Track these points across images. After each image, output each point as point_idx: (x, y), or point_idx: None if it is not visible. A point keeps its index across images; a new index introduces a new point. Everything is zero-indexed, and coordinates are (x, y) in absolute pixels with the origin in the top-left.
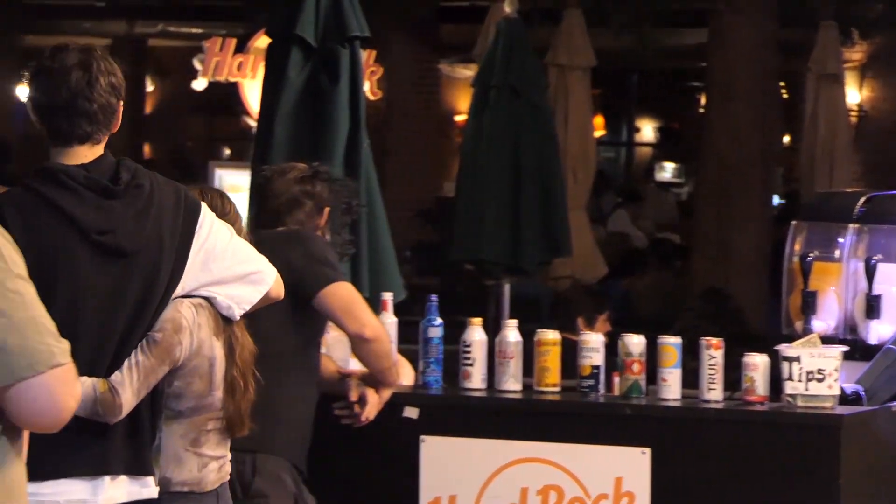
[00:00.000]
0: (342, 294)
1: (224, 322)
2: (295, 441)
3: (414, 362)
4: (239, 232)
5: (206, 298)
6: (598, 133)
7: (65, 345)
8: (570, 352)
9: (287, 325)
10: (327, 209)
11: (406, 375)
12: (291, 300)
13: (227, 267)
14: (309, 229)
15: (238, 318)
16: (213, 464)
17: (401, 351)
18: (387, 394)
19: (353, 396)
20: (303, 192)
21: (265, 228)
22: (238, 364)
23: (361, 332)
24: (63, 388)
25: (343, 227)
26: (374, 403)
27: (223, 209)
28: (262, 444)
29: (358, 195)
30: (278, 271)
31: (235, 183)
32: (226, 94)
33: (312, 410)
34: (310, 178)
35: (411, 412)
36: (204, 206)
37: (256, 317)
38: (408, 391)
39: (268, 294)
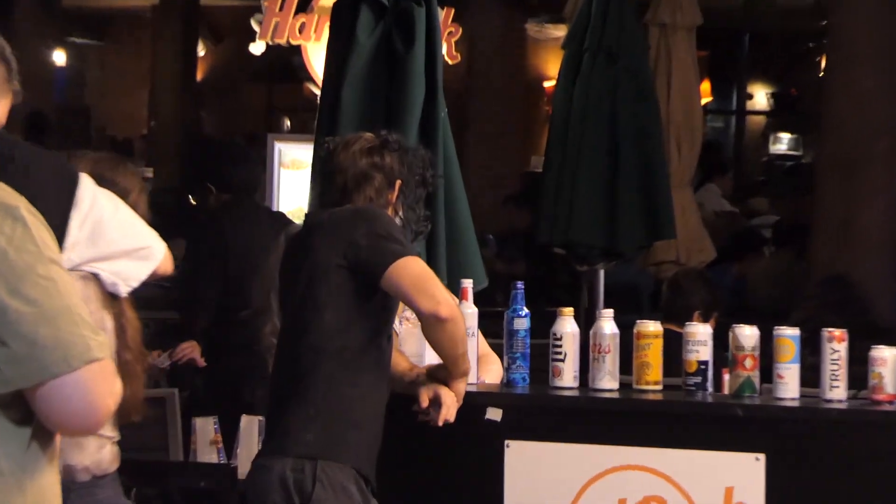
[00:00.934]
0: (413, 270)
1: (112, 298)
2: (361, 447)
3: (499, 356)
4: (135, 205)
5: (93, 274)
6: (705, 100)
7: (102, 337)
8: (674, 345)
9: (353, 316)
10: (399, 182)
11: (493, 373)
12: (358, 286)
13: (112, 241)
14: (379, 206)
15: (124, 294)
16: (109, 445)
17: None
18: (461, 385)
19: (424, 402)
20: (370, 164)
21: (332, 207)
22: (130, 346)
23: (436, 311)
24: (100, 387)
25: (418, 202)
26: (450, 403)
27: (113, 180)
28: (325, 449)
29: (433, 165)
30: (343, 253)
31: (297, 157)
32: (287, 59)
33: (382, 412)
34: (378, 149)
35: (495, 414)
36: (84, 177)
37: (321, 306)
38: (491, 390)
39: (156, 271)
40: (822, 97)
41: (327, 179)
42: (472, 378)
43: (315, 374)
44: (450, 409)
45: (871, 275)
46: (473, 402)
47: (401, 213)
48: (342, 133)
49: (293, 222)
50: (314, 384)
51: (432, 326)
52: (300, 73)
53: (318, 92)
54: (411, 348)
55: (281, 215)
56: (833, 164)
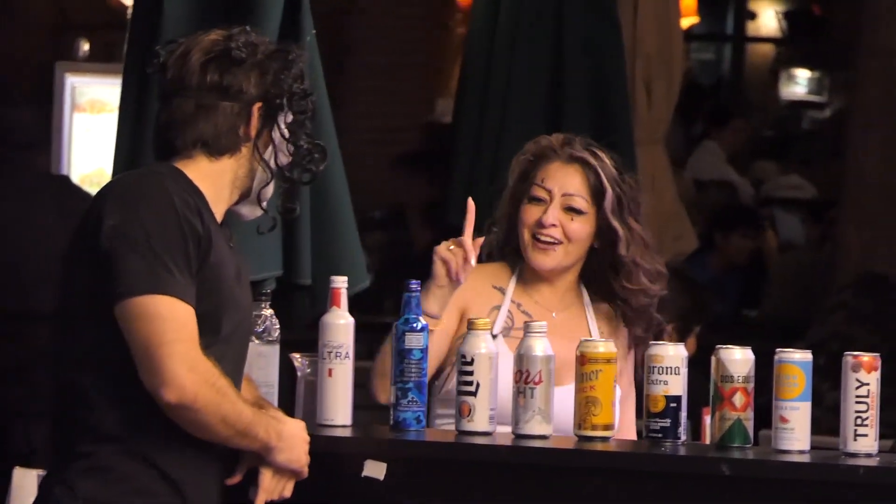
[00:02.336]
0: (143, 321)
1: None
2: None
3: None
4: None
5: None
6: (689, 21)
7: None
8: (637, 374)
9: (106, 335)
10: (257, 106)
11: (282, 436)
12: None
13: None
14: (227, 151)
15: None
16: None
17: (368, 371)
18: (279, 458)
19: (233, 479)
20: (208, 86)
21: (155, 161)
22: None
23: (158, 392)
24: None
25: (300, 128)
26: (267, 488)
27: None
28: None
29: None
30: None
31: (99, 97)
32: None
33: (183, 475)
34: (219, 59)
35: (376, 469)
36: None
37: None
38: (371, 435)
39: None
40: (860, 18)
41: (157, 122)
42: None
43: (74, 421)
44: (268, 492)
45: None
46: (345, 452)
47: (273, 157)
48: None
49: (83, 191)
50: (74, 436)
51: (166, 409)
52: None
53: (129, 3)
54: (259, 373)
55: (65, 181)
56: (873, 117)
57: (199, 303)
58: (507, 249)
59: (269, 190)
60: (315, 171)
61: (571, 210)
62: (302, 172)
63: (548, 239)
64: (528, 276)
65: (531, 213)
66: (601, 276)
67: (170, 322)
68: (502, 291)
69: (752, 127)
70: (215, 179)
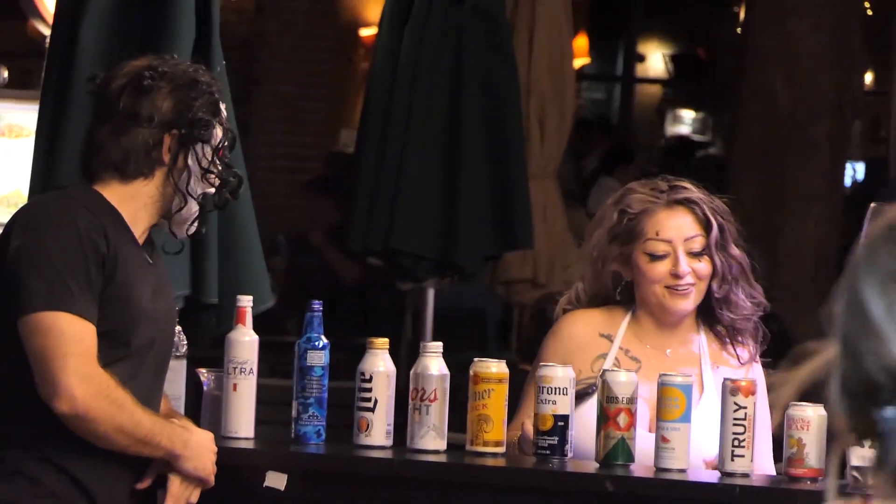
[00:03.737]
0: (40, 335)
1: None
2: None
3: (286, 402)
4: None
5: None
6: (581, 62)
7: None
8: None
9: (12, 349)
10: (171, 135)
11: (188, 445)
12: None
13: None
14: (138, 178)
15: None
16: None
17: (270, 387)
18: (186, 465)
19: (142, 483)
20: (124, 112)
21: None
22: None
23: (51, 402)
24: None
25: (216, 154)
26: (175, 493)
27: None
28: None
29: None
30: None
31: (16, 122)
32: None
33: (93, 480)
34: (133, 85)
35: (277, 480)
36: None
37: None
38: (270, 448)
39: None
40: (743, 61)
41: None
42: None
43: None
44: (176, 498)
45: (800, 302)
46: (248, 464)
47: (187, 185)
48: (76, 90)
49: None
50: None
51: (61, 419)
52: (24, 7)
53: (47, 33)
54: (167, 386)
55: None
56: (754, 156)
57: (107, 319)
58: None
59: (186, 213)
60: (229, 199)
61: (694, 254)
62: (218, 199)
63: (684, 288)
64: (646, 321)
65: (658, 269)
66: (708, 303)
67: (66, 337)
68: (610, 339)
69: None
70: (129, 201)
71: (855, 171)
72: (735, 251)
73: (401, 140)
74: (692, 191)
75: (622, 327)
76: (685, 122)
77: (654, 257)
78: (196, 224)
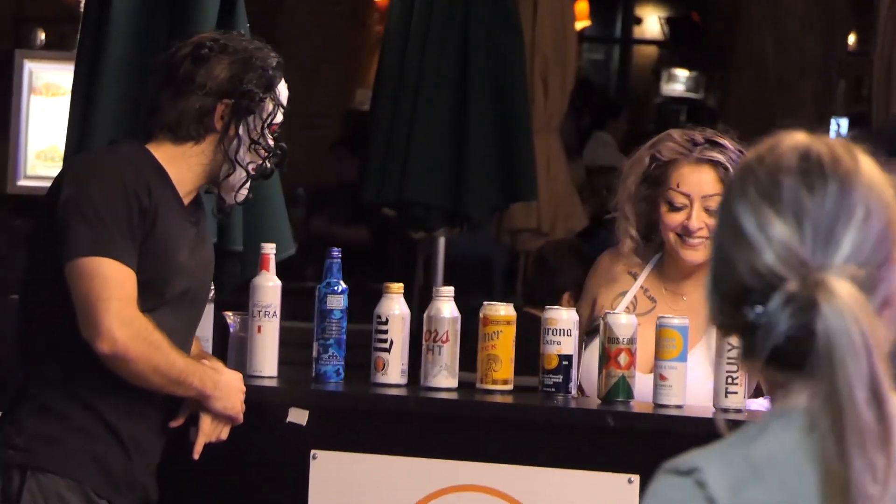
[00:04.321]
0: (84, 279)
1: None
2: (85, 456)
3: (307, 343)
4: None
5: None
6: (581, 24)
7: None
8: (534, 335)
9: (56, 293)
10: (224, 104)
11: (218, 386)
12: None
13: None
14: (189, 142)
15: None
16: None
17: (292, 330)
18: (216, 405)
19: (176, 421)
20: (182, 79)
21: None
22: None
23: (95, 344)
24: None
25: (266, 128)
26: (205, 430)
27: None
28: (36, 458)
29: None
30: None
31: (53, 81)
32: None
33: (133, 416)
34: (194, 55)
35: (299, 416)
36: None
37: (31, 283)
38: (292, 386)
39: None
40: (733, 24)
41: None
42: None
43: (26, 369)
44: (206, 435)
45: None
46: (271, 401)
47: (236, 153)
48: (109, 52)
49: None
50: (25, 382)
51: (102, 359)
52: None
53: None
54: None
55: None
56: (745, 114)
57: (144, 269)
58: (649, 243)
59: (234, 180)
60: (275, 169)
61: (710, 210)
62: (265, 169)
63: (696, 241)
64: (668, 265)
65: (674, 218)
66: None
67: (109, 281)
68: (635, 277)
69: (629, 119)
70: (178, 162)
71: (839, 127)
72: None
73: (413, 98)
74: (725, 151)
75: (648, 267)
76: (680, 81)
77: (672, 207)
78: (244, 191)
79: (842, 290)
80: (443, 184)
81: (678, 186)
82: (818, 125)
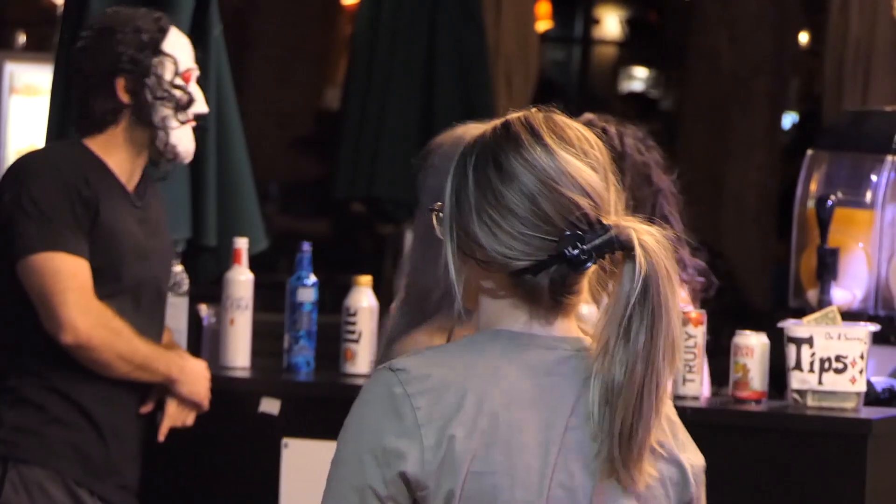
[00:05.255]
0: (38, 274)
1: None
2: (67, 447)
3: (278, 335)
4: None
5: None
6: (543, 25)
7: None
8: None
9: (18, 288)
10: (120, 82)
11: (184, 371)
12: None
13: None
14: (109, 120)
15: None
16: None
17: (264, 322)
18: (182, 389)
19: (145, 407)
20: (77, 68)
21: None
22: None
23: (57, 335)
24: None
25: (159, 87)
26: (171, 414)
27: None
28: (17, 449)
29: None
30: None
31: (33, 82)
32: None
33: (112, 406)
34: (98, 36)
35: (271, 405)
36: None
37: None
38: (265, 376)
39: None
40: (689, 24)
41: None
42: None
43: (2, 362)
44: (172, 419)
45: (741, 244)
46: (244, 391)
47: (152, 116)
48: None
49: None
50: (2, 374)
51: (67, 350)
52: None
53: (60, 2)
54: (171, 321)
55: None
56: (700, 110)
57: (95, 256)
58: None
59: (175, 141)
60: (203, 115)
61: None
62: (184, 115)
63: None
64: None
65: None
66: None
67: (62, 273)
68: None
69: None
70: (110, 149)
71: (793, 123)
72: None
73: (380, 97)
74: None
75: None
76: (638, 78)
77: None
78: (188, 144)
79: None
80: (411, 179)
81: None
82: (771, 121)
